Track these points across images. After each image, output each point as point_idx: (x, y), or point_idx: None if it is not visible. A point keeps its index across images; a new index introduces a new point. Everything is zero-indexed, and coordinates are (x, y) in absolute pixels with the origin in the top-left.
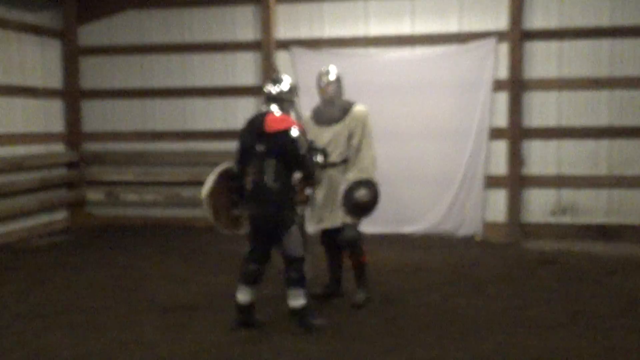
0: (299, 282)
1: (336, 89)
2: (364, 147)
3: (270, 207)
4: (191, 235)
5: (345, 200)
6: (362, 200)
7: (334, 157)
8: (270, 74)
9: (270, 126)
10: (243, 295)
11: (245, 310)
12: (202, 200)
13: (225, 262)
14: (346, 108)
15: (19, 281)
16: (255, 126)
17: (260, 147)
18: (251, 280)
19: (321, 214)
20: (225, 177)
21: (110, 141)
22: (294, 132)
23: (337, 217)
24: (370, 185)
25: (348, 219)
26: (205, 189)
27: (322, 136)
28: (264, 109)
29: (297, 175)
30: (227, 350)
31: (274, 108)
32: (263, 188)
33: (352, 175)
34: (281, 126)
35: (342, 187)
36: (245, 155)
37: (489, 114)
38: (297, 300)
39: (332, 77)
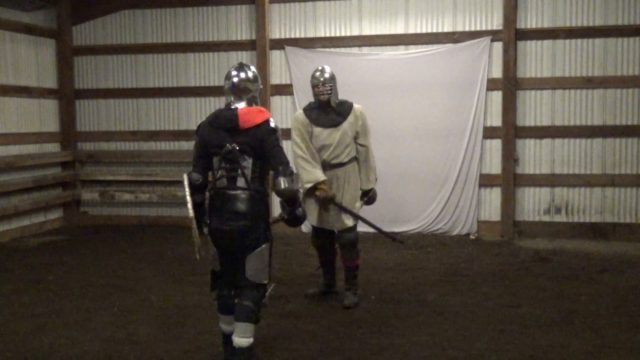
0: (253, 314)
1: (332, 87)
2: (370, 146)
3: (241, 219)
4: (185, 235)
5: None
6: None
7: (343, 157)
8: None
9: (246, 121)
10: (225, 325)
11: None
12: (190, 226)
13: None
14: (347, 107)
15: (13, 281)
16: (224, 123)
17: (231, 146)
18: (228, 308)
19: (327, 215)
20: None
21: (104, 141)
22: (273, 123)
23: (347, 219)
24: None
25: (352, 221)
26: (190, 211)
27: (330, 137)
28: (230, 103)
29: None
30: (222, 349)
31: (242, 101)
32: (233, 196)
33: (366, 176)
34: (258, 119)
35: (367, 187)
36: (208, 158)
37: (482, 113)
38: (245, 337)
39: (327, 75)
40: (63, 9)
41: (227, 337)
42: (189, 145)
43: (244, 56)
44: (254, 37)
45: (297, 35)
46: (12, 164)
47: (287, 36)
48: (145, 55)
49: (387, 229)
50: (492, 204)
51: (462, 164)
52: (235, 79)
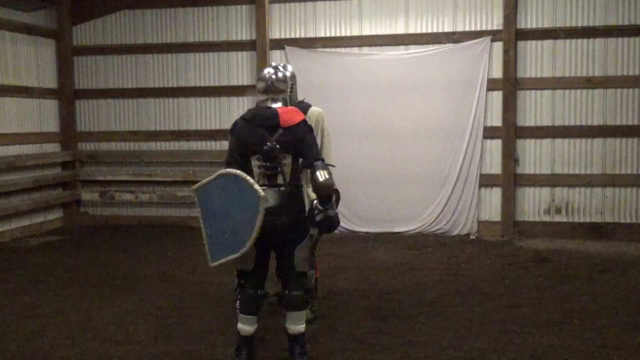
0: (304, 302)
1: (292, 87)
2: (326, 153)
3: (288, 214)
4: (186, 235)
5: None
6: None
7: None
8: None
9: (286, 120)
10: (248, 326)
11: (250, 342)
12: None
13: None
14: (303, 109)
15: (13, 281)
16: (264, 121)
17: (272, 144)
18: (255, 308)
19: None
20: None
21: (104, 141)
22: (308, 122)
23: None
24: (335, 195)
25: None
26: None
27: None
28: (267, 102)
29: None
30: (222, 350)
31: (277, 101)
32: (276, 193)
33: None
34: (297, 118)
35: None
36: (245, 157)
37: (483, 113)
38: (299, 324)
39: (287, 73)
40: (63, 9)
41: (246, 340)
42: (189, 146)
43: (244, 56)
44: (254, 37)
45: (297, 35)
46: (12, 164)
47: (287, 36)
48: (145, 55)
49: (387, 229)
50: (492, 204)
51: (462, 164)
52: (270, 81)
